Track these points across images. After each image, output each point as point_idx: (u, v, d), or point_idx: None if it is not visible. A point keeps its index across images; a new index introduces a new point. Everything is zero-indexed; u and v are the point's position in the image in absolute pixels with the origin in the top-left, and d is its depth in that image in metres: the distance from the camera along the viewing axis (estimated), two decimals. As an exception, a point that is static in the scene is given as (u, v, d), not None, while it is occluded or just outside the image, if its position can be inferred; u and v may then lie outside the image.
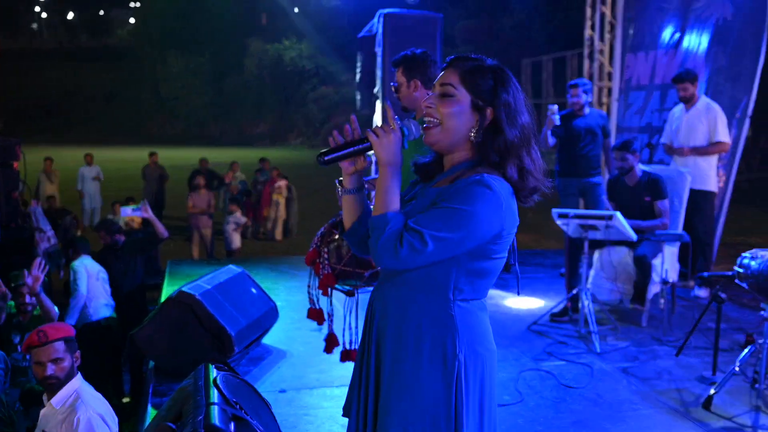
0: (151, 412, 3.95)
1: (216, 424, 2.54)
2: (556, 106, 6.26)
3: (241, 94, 45.80)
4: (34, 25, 66.59)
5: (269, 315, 4.96)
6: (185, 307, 4.30)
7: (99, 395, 3.38)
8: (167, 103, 48.06)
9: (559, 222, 5.42)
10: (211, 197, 12.12)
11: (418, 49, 3.85)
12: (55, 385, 3.24)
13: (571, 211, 5.36)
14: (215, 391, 2.78)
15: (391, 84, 3.87)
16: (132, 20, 62.46)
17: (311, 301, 3.74)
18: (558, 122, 6.21)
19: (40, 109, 48.66)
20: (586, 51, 10.35)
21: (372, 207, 2.00)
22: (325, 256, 3.66)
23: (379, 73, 7.44)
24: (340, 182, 2.14)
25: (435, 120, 2.00)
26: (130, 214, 6.67)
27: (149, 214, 6.57)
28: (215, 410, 2.63)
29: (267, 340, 5.12)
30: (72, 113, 47.81)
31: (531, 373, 4.67)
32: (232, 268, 5.07)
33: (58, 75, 52.47)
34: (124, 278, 6.57)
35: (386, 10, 7.19)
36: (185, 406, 2.76)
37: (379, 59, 7.22)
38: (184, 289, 4.42)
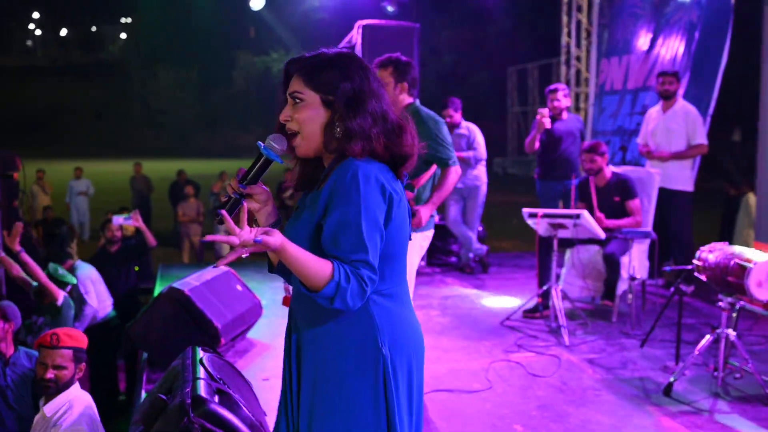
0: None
1: (201, 395, 2.80)
2: (546, 110, 6.55)
3: (228, 106, 46.17)
4: (29, 42, 66.67)
5: (254, 310, 5.22)
6: (175, 302, 4.56)
7: (91, 409, 3.39)
8: (156, 116, 48.35)
9: (529, 221, 5.68)
10: (200, 206, 12.38)
11: (402, 56, 4.11)
12: (51, 389, 3.29)
13: (540, 211, 5.62)
14: (201, 368, 3.05)
15: None
16: (123, 35, 62.73)
17: (286, 289, 4.04)
18: (549, 125, 6.50)
19: (31, 125, 48.73)
20: (563, 58, 10.67)
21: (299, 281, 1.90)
22: None
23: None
24: (255, 222, 2.09)
25: (294, 131, 1.99)
26: (121, 222, 6.91)
27: (140, 222, 6.81)
28: (201, 384, 2.90)
29: (252, 334, 5.36)
30: (62, 128, 47.93)
31: (501, 364, 4.92)
32: (219, 268, 5.32)
33: (50, 91, 52.62)
34: (117, 282, 6.83)
35: (364, 22, 7.45)
36: (175, 382, 3.02)
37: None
38: (174, 285, 4.68)
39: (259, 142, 1.97)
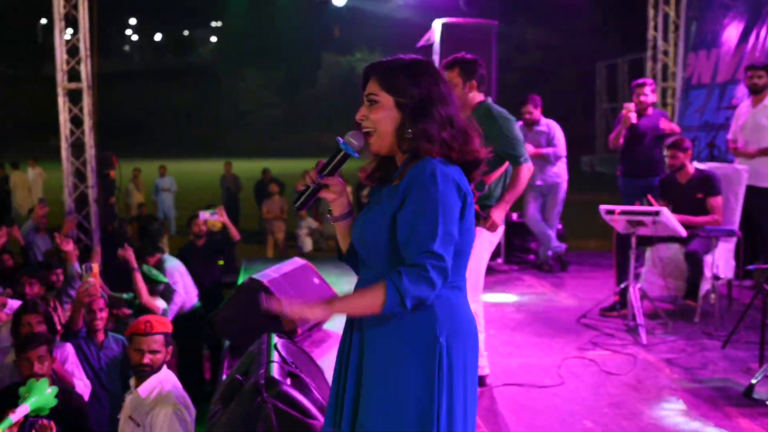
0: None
1: (274, 376, 2.94)
2: (632, 104, 6.44)
3: (313, 106, 46.95)
4: (127, 47, 69.58)
5: (331, 303, 5.35)
6: (255, 292, 4.74)
7: (179, 387, 3.63)
8: (244, 117, 49.67)
9: (606, 218, 5.61)
10: (284, 203, 12.70)
11: (469, 54, 4.16)
12: (146, 373, 3.50)
13: (618, 208, 5.54)
14: (275, 352, 3.20)
15: None
16: (214, 39, 64.62)
17: None
18: (635, 119, 6.39)
19: (128, 126, 50.92)
20: (649, 52, 10.42)
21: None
22: None
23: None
24: (330, 212, 2.27)
25: (370, 129, 2.14)
26: (207, 217, 7.22)
27: (224, 218, 7.09)
28: (274, 366, 3.05)
29: (328, 325, 5.51)
30: (155, 130, 49.83)
31: (574, 361, 4.89)
32: (297, 260, 5.55)
33: (144, 94, 54.77)
34: (203, 274, 7.15)
35: (443, 20, 7.50)
36: (251, 365, 3.18)
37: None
38: (254, 276, 4.89)
39: (339, 137, 2.14)
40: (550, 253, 7.65)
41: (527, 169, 4.05)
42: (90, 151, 7.64)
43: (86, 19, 7.60)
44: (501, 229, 4.17)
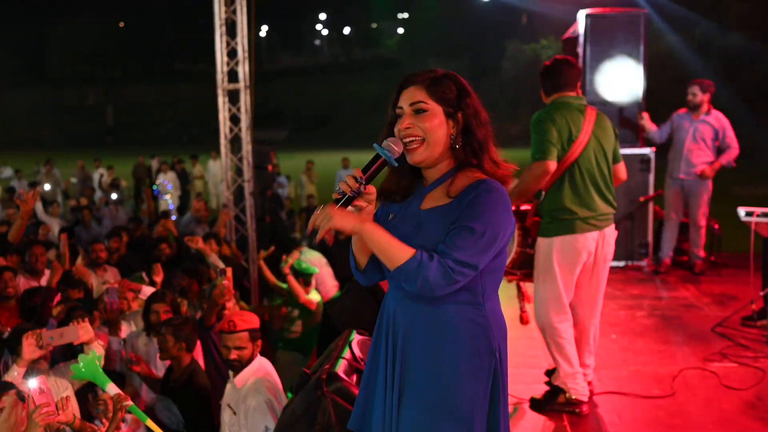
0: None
1: (337, 372, 3.12)
2: None
3: (497, 96, 46.53)
4: (317, 42, 73.04)
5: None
6: (363, 286, 4.94)
7: (272, 378, 3.80)
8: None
9: (746, 220, 5.21)
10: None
11: (550, 60, 4.11)
12: (235, 367, 3.75)
13: (758, 209, 5.13)
14: (347, 349, 3.35)
15: None
16: (400, 30, 66.04)
17: (522, 306, 4.52)
18: None
19: (315, 120, 53.54)
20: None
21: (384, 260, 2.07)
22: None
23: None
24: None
25: (418, 137, 2.10)
26: (353, 211, 7.49)
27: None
28: (341, 363, 3.21)
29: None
30: (342, 121, 51.95)
31: (693, 372, 4.63)
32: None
33: (332, 87, 57.31)
34: (344, 266, 7.44)
35: (588, 10, 7.26)
36: (325, 360, 3.37)
37: (581, 60, 7.29)
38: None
39: (376, 144, 2.11)
40: (698, 254, 7.17)
41: (535, 167, 3.84)
42: (246, 147, 8.20)
43: (244, 22, 8.15)
44: (571, 237, 3.97)
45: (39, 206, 9.51)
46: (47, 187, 14.16)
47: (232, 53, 8.24)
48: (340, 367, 3.15)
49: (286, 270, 6.10)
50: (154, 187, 14.85)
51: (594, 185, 3.96)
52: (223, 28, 8.19)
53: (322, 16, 69.00)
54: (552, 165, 3.85)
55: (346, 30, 70.41)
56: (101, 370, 3.47)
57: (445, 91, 2.12)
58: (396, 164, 2.12)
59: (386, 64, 57.80)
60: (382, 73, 55.81)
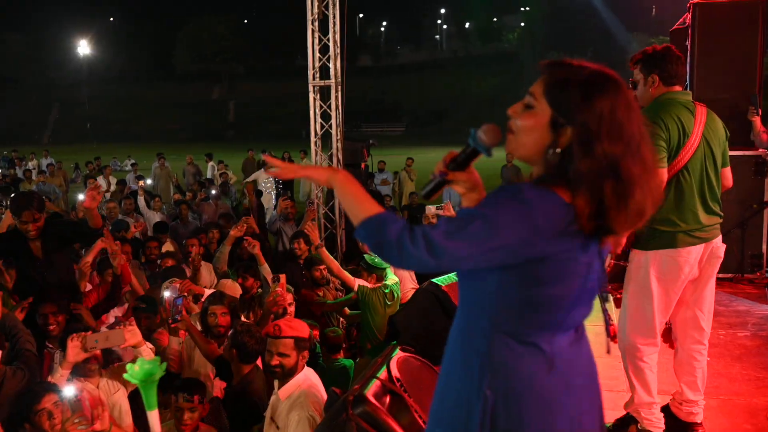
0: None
1: (365, 395, 2.90)
2: None
3: (624, 91, 44.92)
4: (437, 37, 72.99)
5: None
6: (430, 295, 4.67)
7: (318, 393, 3.57)
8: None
9: None
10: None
11: (659, 45, 3.67)
12: (278, 374, 3.51)
13: None
14: (385, 368, 3.13)
15: (630, 80, 3.70)
16: (522, 24, 64.89)
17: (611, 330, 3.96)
18: None
19: (432, 115, 53.43)
20: None
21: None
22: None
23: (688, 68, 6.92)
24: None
25: (513, 130, 1.82)
26: (434, 212, 7.26)
27: (450, 212, 7.08)
28: (373, 383, 3.00)
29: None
30: (459, 117, 51.56)
31: (795, 405, 4.08)
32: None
33: (450, 82, 57.03)
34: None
35: (697, 0, 6.67)
36: (358, 377, 3.16)
37: (689, 52, 6.72)
38: (433, 279, 4.80)
39: (472, 129, 1.89)
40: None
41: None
42: (336, 144, 8.12)
43: (337, 18, 8.06)
44: (672, 252, 3.52)
45: (141, 200, 9.79)
46: (149, 181, 14.67)
47: (324, 49, 8.18)
48: (371, 389, 2.93)
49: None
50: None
51: (700, 193, 3.52)
52: (316, 24, 8.12)
53: (443, 11, 68.80)
54: (665, 173, 3.41)
55: (467, 25, 69.90)
56: (155, 390, 3.25)
57: (564, 95, 1.73)
58: (487, 153, 1.88)
59: (506, 58, 56.96)
60: (501, 68, 55.11)
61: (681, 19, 7.28)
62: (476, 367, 1.79)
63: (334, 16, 8.05)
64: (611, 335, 3.86)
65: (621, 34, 46.48)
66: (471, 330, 1.83)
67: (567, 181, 1.70)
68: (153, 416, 3.21)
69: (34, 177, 16.44)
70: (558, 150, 1.72)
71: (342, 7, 8.13)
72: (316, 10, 8.02)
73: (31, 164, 20.55)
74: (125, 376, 3.32)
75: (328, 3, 8.04)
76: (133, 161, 20.19)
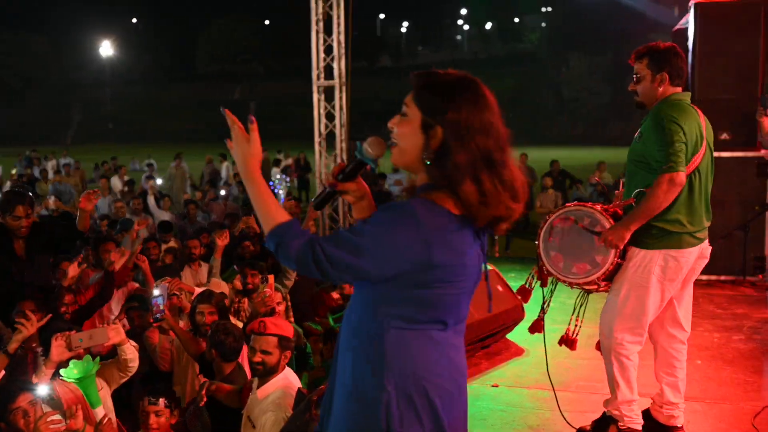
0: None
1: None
2: None
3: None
4: (458, 37, 72.76)
5: (513, 312, 5.09)
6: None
7: (293, 390, 3.54)
8: (568, 104, 48.89)
9: None
10: (558, 198, 12.29)
11: (664, 43, 3.64)
12: (259, 371, 3.49)
13: None
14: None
15: (634, 75, 3.65)
16: (543, 25, 64.50)
17: (528, 281, 3.91)
18: None
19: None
20: None
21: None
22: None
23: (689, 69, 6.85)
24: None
25: (394, 141, 1.94)
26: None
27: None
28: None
29: (512, 336, 5.24)
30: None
31: (782, 410, 4.03)
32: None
33: (471, 82, 56.89)
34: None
35: (698, 0, 6.61)
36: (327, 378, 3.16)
37: (690, 53, 6.66)
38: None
39: (358, 142, 2.02)
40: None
41: (668, 180, 3.35)
42: (340, 145, 8.15)
43: (342, 18, 8.09)
44: (676, 252, 3.50)
45: (151, 200, 9.90)
46: (159, 181, 14.81)
47: (328, 50, 8.21)
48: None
49: None
50: (270, 182, 15.17)
51: (705, 196, 3.56)
52: (320, 24, 8.16)
53: (463, 11, 68.61)
54: (683, 176, 3.39)
55: (488, 25, 69.67)
56: (95, 387, 3.42)
57: (430, 98, 1.89)
58: (375, 166, 2.03)
59: (526, 59, 56.68)
60: (520, 69, 54.85)
61: (683, 19, 7.22)
62: (370, 369, 1.88)
63: (338, 17, 8.08)
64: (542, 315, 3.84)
65: (641, 35, 46.03)
66: (362, 330, 1.92)
67: (449, 189, 1.84)
68: (99, 413, 3.40)
69: (50, 177, 16.64)
70: (432, 149, 1.86)
71: (347, 7, 8.16)
72: (320, 11, 8.06)
73: (49, 164, 20.79)
74: (63, 375, 3.50)
75: (332, 3, 8.07)
76: (152, 161, 20.34)
